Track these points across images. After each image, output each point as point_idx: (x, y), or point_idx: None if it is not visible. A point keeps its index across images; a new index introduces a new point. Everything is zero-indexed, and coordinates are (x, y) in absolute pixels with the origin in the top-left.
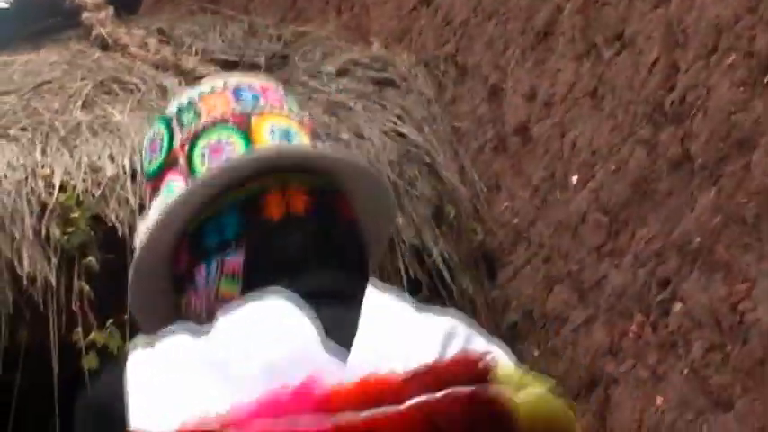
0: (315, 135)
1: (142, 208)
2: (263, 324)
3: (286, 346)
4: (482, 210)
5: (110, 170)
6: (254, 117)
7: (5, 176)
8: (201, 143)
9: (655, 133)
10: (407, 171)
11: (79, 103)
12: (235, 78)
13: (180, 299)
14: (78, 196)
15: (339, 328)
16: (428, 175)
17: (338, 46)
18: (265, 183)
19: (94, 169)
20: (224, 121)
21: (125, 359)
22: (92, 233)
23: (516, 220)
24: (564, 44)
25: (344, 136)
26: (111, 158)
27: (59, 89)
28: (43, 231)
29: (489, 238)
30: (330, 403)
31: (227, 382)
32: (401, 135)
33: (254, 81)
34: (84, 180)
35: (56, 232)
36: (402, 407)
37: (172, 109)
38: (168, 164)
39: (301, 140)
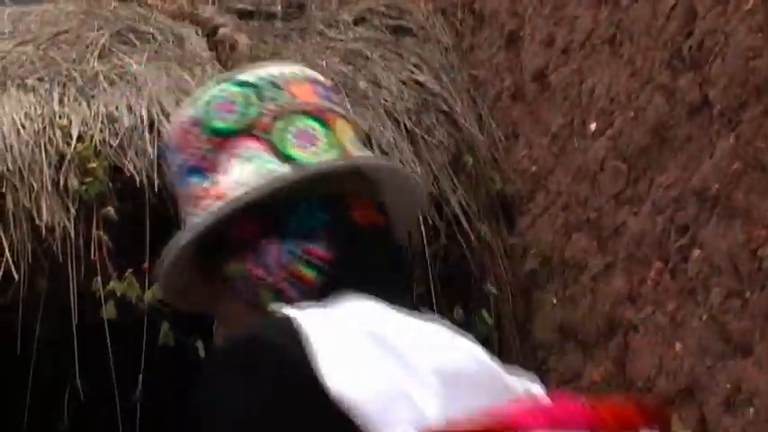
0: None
1: (160, 158)
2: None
3: (456, 348)
4: (500, 158)
5: (127, 120)
6: (329, 114)
7: (23, 127)
8: (289, 125)
9: (673, 79)
10: (425, 120)
11: (96, 52)
12: (308, 71)
13: (228, 266)
14: (96, 146)
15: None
16: (446, 124)
17: None
18: (347, 187)
19: (112, 119)
20: (310, 110)
21: (278, 314)
22: (109, 183)
23: (534, 168)
24: None
25: (362, 85)
26: (129, 108)
27: (76, 39)
28: (61, 182)
29: (507, 186)
30: (604, 423)
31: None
32: (419, 83)
33: (323, 78)
34: (101, 130)
35: (74, 182)
36: None
37: (249, 78)
38: (245, 129)
39: (360, 147)
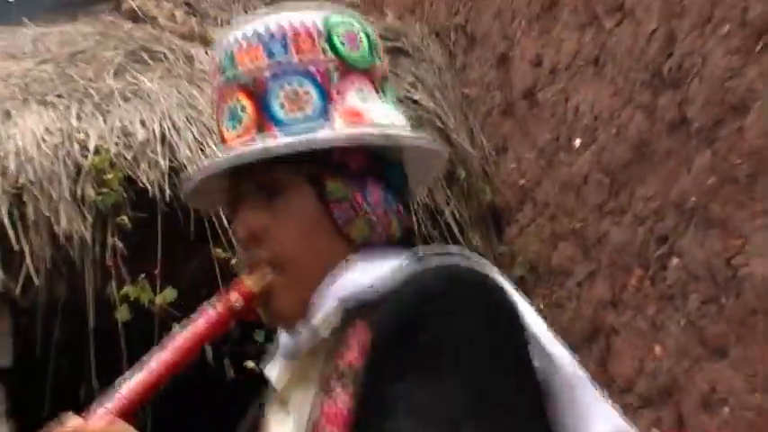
0: None
1: (172, 169)
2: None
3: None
4: (490, 171)
5: (141, 134)
6: None
7: (43, 140)
8: (388, 84)
9: (653, 98)
10: None
11: (111, 71)
12: None
13: (330, 182)
14: (111, 159)
15: None
16: (440, 139)
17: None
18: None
19: (126, 133)
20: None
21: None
22: (124, 193)
23: (523, 181)
24: (568, 14)
25: None
26: (142, 123)
27: (93, 58)
28: (79, 192)
29: (497, 198)
30: None
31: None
32: (414, 101)
33: None
34: (116, 143)
35: (90, 193)
36: None
37: (368, 28)
38: (367, 71)
39: None
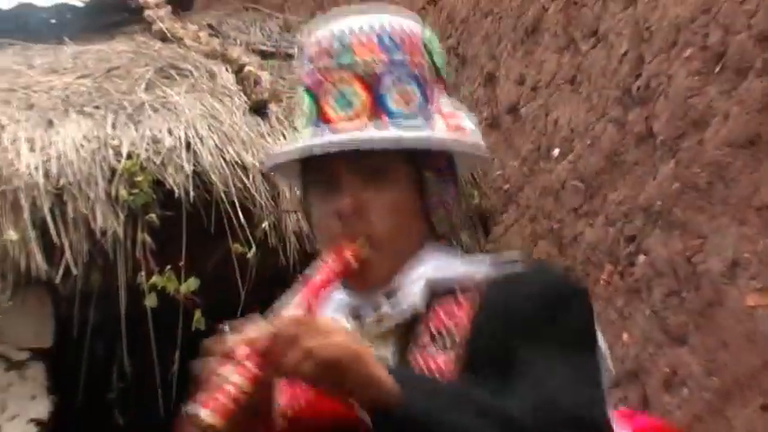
0: None
1: (195, 173)
2: None
3: None
4: (479, 177)
5: (168, 142)
6: None
7: (82, 146)
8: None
9: (623, 114)
10: None
11: (143, 85)
12: None
13: (427, 173)
14: (142, 163)
15: None
16: None
17: None
18: None
19: (155, 141)
20: None
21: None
22: (153, 194)
23: (507, 186)
24: (548, 39)
25: None
26: (169, 132)
27: (126, 74)
28: (113, 193)
29: (484, 201)
30: None
31: None
32: None
33: None
34: (146, 150)
35: (123, 193)
36: None
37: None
38: (445, 80)
39: None
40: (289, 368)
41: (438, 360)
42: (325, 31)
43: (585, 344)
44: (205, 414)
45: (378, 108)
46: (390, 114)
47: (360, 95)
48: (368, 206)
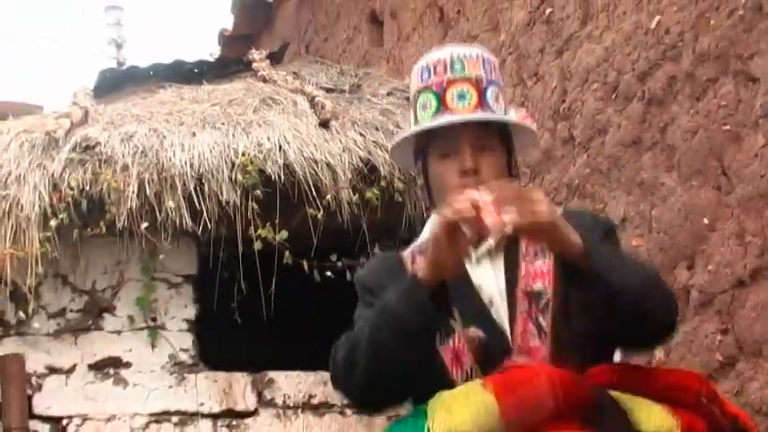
0: None
1: (285, 165)
2: None
3: None
4: None
5: (267, 145)
6: None
7: (213, 148)
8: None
9: (554, 125)
10: None
11: (251, 110)
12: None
13: (512, 147)
14: (251, 159)
15: None
16: None
17: (387, 79)
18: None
19: (259, 144)
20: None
21: None
22: (258, 178)
23: None
24: (507, 78)
25: (391, 128)
26: (268, 138)
27: (241, 103)
28: (233, 177)
29: None
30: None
31: None
32: None
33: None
34: (254, 150)
35: (239, 177)
36: None
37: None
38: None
39: None
40: (522, 220)
41: (542, 265)
42: (442, 54)
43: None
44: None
45: (483, 103)
46: (489, 107)
47: (472, 95)
48: (480, 166)
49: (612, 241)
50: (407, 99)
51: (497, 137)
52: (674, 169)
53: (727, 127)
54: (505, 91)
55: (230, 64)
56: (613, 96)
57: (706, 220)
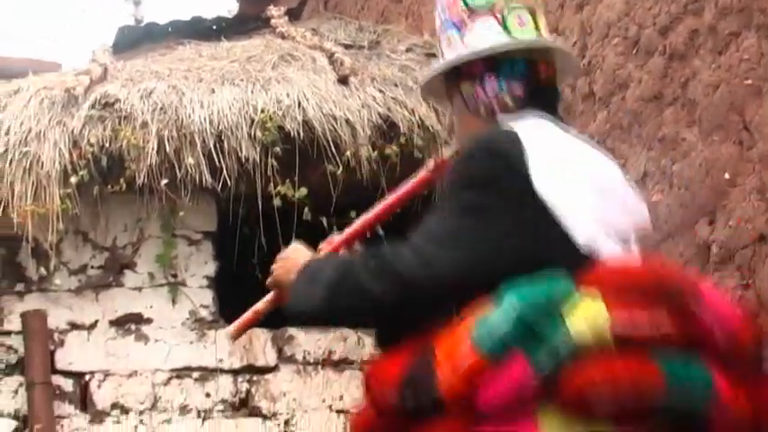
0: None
1: (304, 121)
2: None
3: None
4: None
5: (286, 101)
6: (535, 8)
7: (233, 105)
8: (512, 11)
9: (574, 81)
10: None
11: (270, 67)
12: None
13: (463, 86)
14: (270, 115)
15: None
16: None
17: (406, 35)
18: (537, 55)
19: (278, 101)
20: (526, 3)
21: (507, 128)
22: (277, 135)
23: None
24: None
25: (410, 84)
26: (287, 95)
27: (260, 59)
28: (252, 134)
29: None
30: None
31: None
32: None
33: None
34: (273, 107)
35: (259, 134)
36: None
37: None
38: (489, 8)
39: (547, 31)
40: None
41: None
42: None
43: (474, 207)
44: None
45: (440, 51)
46: (442, 55)
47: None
48: (453, 123)
49: (441, 207)
50: (426, 55)
51: (453, 81)
52: (695, 124)
53: (749, 81)
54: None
55: (249, 20)
56: (634, 51)
57: (727, 176)
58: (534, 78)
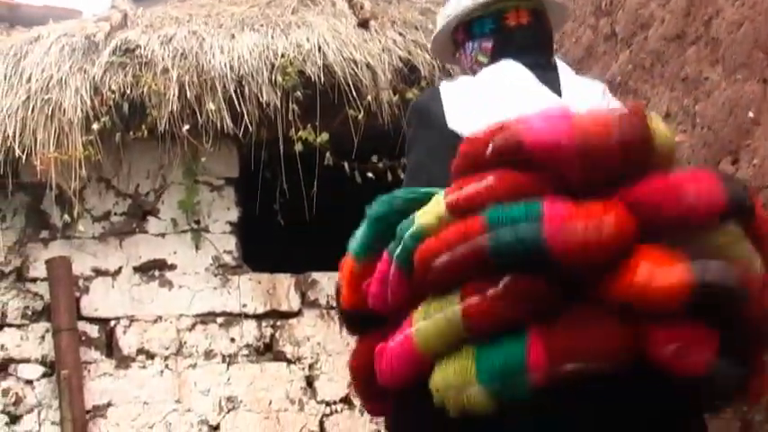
0: None
1: (325, 66)
2: (510, 71)
3: (526, 81)
4: None
5: (306, 46)
6: None
7: (253, 50)
8: None
9: (596, 21)
10: None
11: (290, 11)
12: None
13: (456, 53)
14: (291, 60)
15: (549, 82)
16: None
17: None
18: (508, 5)
19: (299, 45)
20: None
21: (439, 85)
22: (298, 79)
23: None
24: None
25: (431, 27)
26: (307, 39)
27: (280, 4)
28: (273, 79)
29: None
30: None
31: (500, 101)
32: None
33: None
34: (293, 51)
35: (279, 79)
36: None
37: None
38: None
39: None
40: None
41: None
42: None
43: (411, 148)
44: None
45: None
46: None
47: None
48: None
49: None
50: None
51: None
52: (718, 63)
53: None
54: None
55: None
56: None
57: (751, 114)
58: (503, 30)
